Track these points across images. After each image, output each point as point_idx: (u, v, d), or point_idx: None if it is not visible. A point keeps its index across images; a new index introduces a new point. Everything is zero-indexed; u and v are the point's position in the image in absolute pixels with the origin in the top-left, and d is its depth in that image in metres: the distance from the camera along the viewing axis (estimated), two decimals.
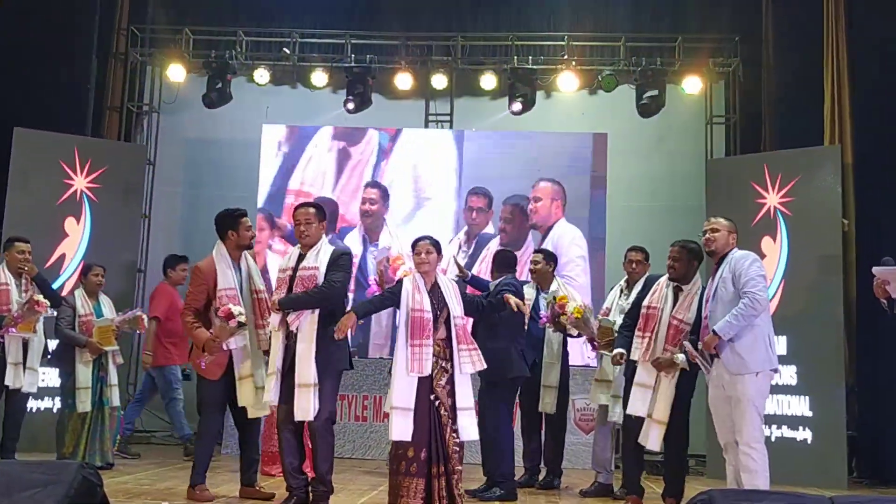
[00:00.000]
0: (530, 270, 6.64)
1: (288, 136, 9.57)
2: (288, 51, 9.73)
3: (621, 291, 6.22)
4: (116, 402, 6.69)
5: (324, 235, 5.18)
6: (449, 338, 4.85)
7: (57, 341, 6.70)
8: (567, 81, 9.46)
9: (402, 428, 4.66)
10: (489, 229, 9.26)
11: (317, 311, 4.93)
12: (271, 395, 4.95)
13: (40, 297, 6.22)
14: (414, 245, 5.03)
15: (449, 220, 9.36)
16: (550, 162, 9.28)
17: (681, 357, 5.03)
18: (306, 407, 4.83)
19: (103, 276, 6.78)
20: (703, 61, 9.41)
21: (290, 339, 4.97)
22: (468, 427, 4.80)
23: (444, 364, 4.84)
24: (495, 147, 9.44)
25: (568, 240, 8.94)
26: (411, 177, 9.44)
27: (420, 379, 4.75)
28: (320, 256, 5.03)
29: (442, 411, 4.76)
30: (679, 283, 5.23)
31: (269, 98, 9.94)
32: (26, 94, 8.73)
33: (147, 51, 9.97)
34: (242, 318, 5.10)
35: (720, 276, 4.82)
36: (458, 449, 4.80)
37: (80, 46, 9.28)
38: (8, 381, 6.13)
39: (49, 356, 6.83)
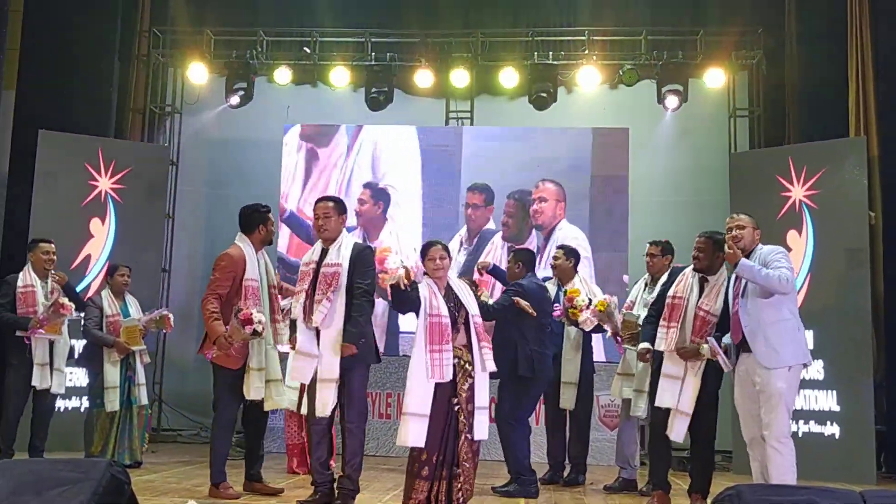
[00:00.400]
0: (552, 266, 6.62)
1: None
2: (308, 50, 9.75)
3: (646, 285, 6.20)
4: (144, 400, 6.74)
5: (344, 230, 5.16)
6: (470, 340, 4.81)
7: (84, 342, 6.76)
8: (588, 77, 9.41)
9: (416, 434, 4.59)
10: (490, 226, 9.25)
11: (343, 306, 4.92)
12: (308, 376, 4.95)
13: (65, 300, 6.28)
14: (425, 250, 4.96)
15: (416, 211, 9.41)
16: (551, 159, 9.28)
17: (706, 347, 4.99)
18: (326, 403, 4.83)
19: (129, 276, 6.83)
20: (725, 54, 9.31)
21: (318, 335, 4.96)
22: (481, 426, 4.76)
23: (468, 368, 4.79)
24: (495, 143, 9.46)
25: (573, 243, 8.89)
26: (374, 171, 9.50)
27: (441, 384, 4.68)
28: (342, 252, 5.00)
29: (461, 417, 4.71)
30: (704, 273, 5.19)
31: (290, 98, 9.97)
32: (50, 96, 8.80)
33: (168, 52, 10.02)
34: (259, 328, 5.05)
35: None
36: (470, 455, 4.73)
37: (103, 49, 9.35)
38: (35, 382, 6.19)
39: (77, 356, 6.90)
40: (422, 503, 4.68)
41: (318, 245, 5.15)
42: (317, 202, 5.20)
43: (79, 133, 8.50)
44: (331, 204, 5.12)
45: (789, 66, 9.08)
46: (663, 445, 5.33)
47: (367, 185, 9.47)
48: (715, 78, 9.29)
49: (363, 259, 5.01)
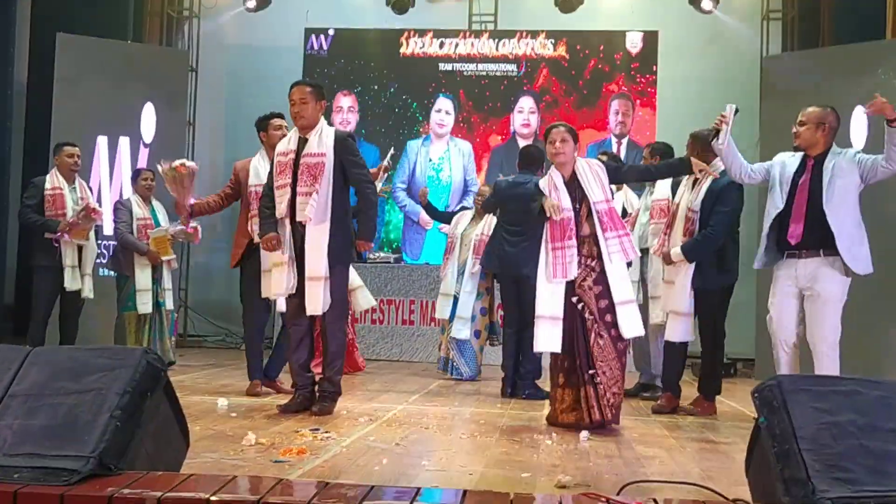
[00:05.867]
0: None
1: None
2: None
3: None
4: (170, 305, 6.72)
5: (322, 117, 4.76)
6: (594, 232, 4.44)
7: (113, 245, 6.77)
8: None
9: (547, 337, 4.34)
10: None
11: (329, 199, 4.60)
12: (283, 287, 4.68)
13: (96, 206, 6.27)
14: (546, 133, 4.60)
15: None
16: None
17: (675, 251, 4.97)
18: (317, 301, 4.54)
19: (152, 180, 6.76)
20: None
21: (296, 228, 4.66)
22: (628, 322, 4.36)
23: (590, 262, 4.43)
24: None
25: None
26: None
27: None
28: (324, 140, 4.64)
29: (586, 315, 4.38)
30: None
31: (310, 1, 9.74)
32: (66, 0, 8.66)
33: None
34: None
35: (833, 165, 4.49)
36: (613, 355, 4.39)
37: None
38: (66, 284, 6.21)
39: (106, 261, 6.94)
40: (565, 411, 4.46)
41: (294, 133, 4.76)
42: (292, 87, 4.76)
43: (96, 37, 8.34)
44: (307, 89, 4.70)
45: None
46: (673, 350, 5.29)
47: None
48: None
49: (348, 147, 4.68)
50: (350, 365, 6.62)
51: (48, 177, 6.34)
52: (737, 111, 4.63)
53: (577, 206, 4.47)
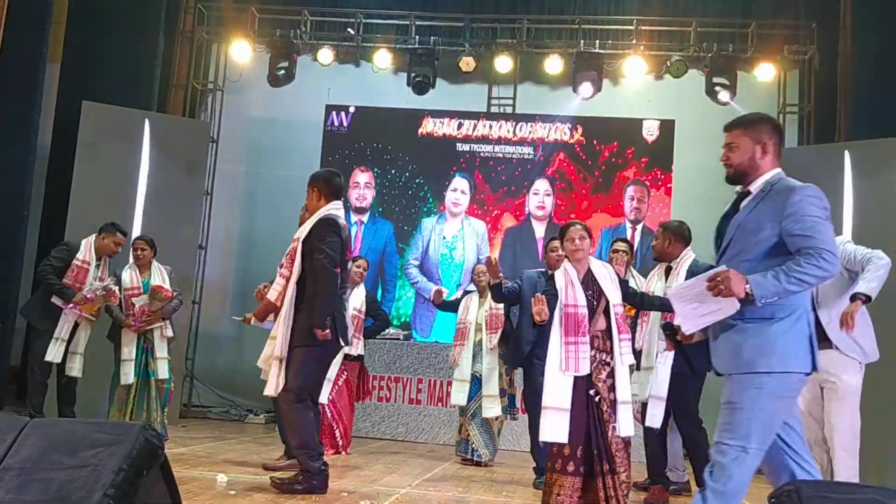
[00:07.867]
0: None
1: None
2: (352, 31, 9.70)
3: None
4: (163, 374, 6.51)
5: (329, 205, 4.76)
6: (609, 328, 4.47)
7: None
8: (634, 67, 9.26)
9: (555, 428, 4.29)
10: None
11: (293, 283, 4.65)
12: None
13: (116, 289, 6.25)
14: (564, 231, 4.68)
15: None
16: None
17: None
18: (271, 382, 4.60)
19: (146, 247, 6.58)
20: (777, 48, 9.12)
21: None
22: (625, 422, 4.38)
23: (605, 357, 4.45)
24: None
25: None
26: None
27: (579, 376, 4.38)
28: (306, 227, 4.75)
29: (604, 407, 4.37)
30: (664, 260, 5.16)
31: (332, 78, 9.93)
32: (94, 70, 8.85)
33: (213, 29, 10.04)
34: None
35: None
36: (621, 447, 4.38)
37: (148, 24, 9.37)
38: (49, 357, 6.15)
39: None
40: (573, 499, 4.34)
41: None
42: None
43: (121, 106, 8.49)
44: (308, 183, 4.87)
45: (843, 62, 8.86)
46: (658, 440, 5.17)
47: None
48: (765, 72, 9.10)
49: (314, 232, 4.65)
50: (330, 445, 6.49)
51: (83, 246, 6.33)
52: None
53: (594, 303, 4.49)
